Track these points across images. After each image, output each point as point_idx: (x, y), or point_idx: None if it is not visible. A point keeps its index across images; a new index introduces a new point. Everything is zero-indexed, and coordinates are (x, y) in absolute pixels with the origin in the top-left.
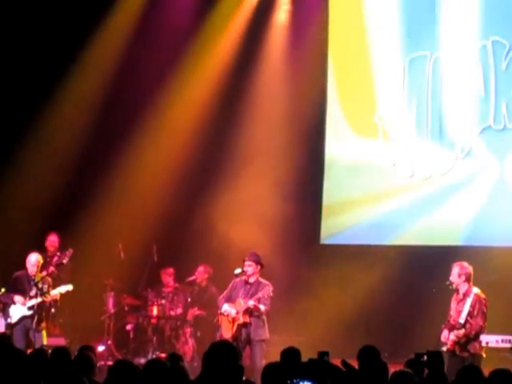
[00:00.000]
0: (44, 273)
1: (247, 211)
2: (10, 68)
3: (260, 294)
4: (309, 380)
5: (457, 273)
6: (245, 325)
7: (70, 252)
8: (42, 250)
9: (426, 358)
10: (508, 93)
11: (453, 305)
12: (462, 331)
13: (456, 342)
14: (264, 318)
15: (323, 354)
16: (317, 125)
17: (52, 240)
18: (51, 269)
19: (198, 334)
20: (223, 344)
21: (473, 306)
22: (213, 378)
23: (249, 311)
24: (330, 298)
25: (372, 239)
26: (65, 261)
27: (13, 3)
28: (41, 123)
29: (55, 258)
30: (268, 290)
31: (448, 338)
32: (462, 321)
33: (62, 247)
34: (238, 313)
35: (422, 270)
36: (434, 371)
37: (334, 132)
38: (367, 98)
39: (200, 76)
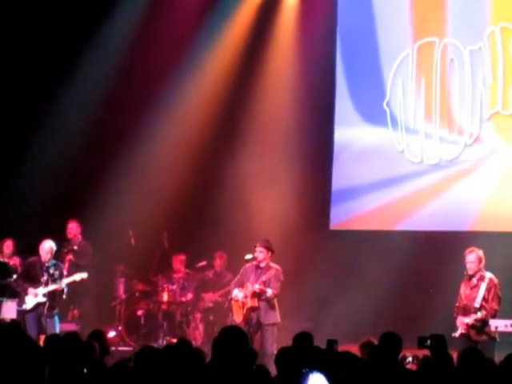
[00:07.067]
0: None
1: (257, 199)
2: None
3: (264, 278)
4: (319, 370)
5: (475, 259)
6: (254, 309)
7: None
8: (61, 237)
9: (429, 341)
10: None
11: (466, 291)
12: (477, 315)
13: (471, 327)
14: (274, 301)
15: (332, 343)
16: (326, 111)
17: (70, 227)
18: (69, 257)
19: (211, 317)
20: (232, 329)
21: (488, 290)
22: (223, 364)
23: (256, 295)
24: (340, 283)
25: (381, 225)
26: (76, 247)
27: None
28: (52, 107)
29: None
30: (274, 273)
31: (463, 322)
32: (477, 305)
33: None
34: (245, 297)
35: (430, 255)
36: (438, 354)
37: (342, 118)
38: (376, 85)
39: (212, 62)
